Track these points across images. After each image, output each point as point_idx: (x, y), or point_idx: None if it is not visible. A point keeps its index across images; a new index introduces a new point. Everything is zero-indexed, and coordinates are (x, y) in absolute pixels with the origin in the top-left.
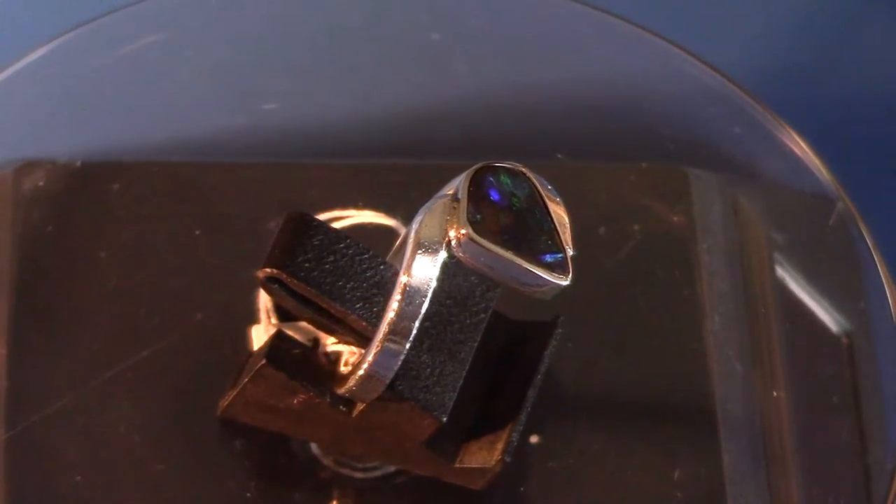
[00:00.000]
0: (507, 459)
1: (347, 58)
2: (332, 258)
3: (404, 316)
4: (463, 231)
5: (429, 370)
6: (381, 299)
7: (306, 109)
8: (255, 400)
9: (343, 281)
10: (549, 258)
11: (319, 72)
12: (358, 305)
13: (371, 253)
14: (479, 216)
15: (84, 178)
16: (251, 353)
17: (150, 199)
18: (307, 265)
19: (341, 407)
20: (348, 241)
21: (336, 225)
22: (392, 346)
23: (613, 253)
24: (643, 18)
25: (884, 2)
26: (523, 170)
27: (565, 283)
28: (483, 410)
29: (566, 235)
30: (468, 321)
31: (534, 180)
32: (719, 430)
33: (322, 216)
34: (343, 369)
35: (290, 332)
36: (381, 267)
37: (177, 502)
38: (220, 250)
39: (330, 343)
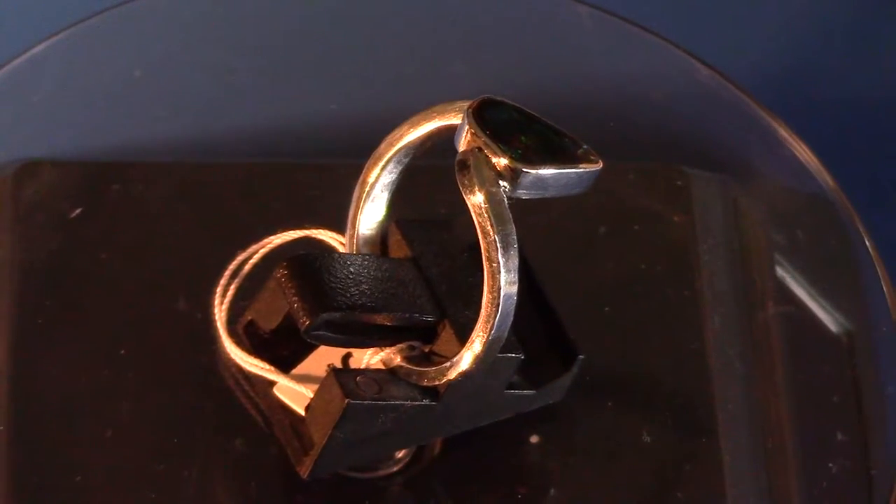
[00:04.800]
0: (582, 356)
1: (348, 58)
2: (347, 277)
3: (509, 268)
4: (509, 165)
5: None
6: (402, 289)
7: (306, 109)
8: (346, 443)
9: (368, 291)
10: (580, 152)
11: (320, 72)
12: (395, 303)
13: (361, 257)
14: (513, 151)
15: (84, 178)
16: (308, 407)
17: (151, 199)
18: (340, 297)
19: (426, 401)
20: (343, 257)
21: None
22: (509, 294)
23: (613, 253)
24: (644, 19)
25: (883, 4)
26: (495, 97)
27: (601, 165)
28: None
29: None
30: (462, 264)
31: (510, 102)
32: (719, 430)
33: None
34: (426, 367)
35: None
36: (375, 262)
37: (177, 502)
38: (220, 249)
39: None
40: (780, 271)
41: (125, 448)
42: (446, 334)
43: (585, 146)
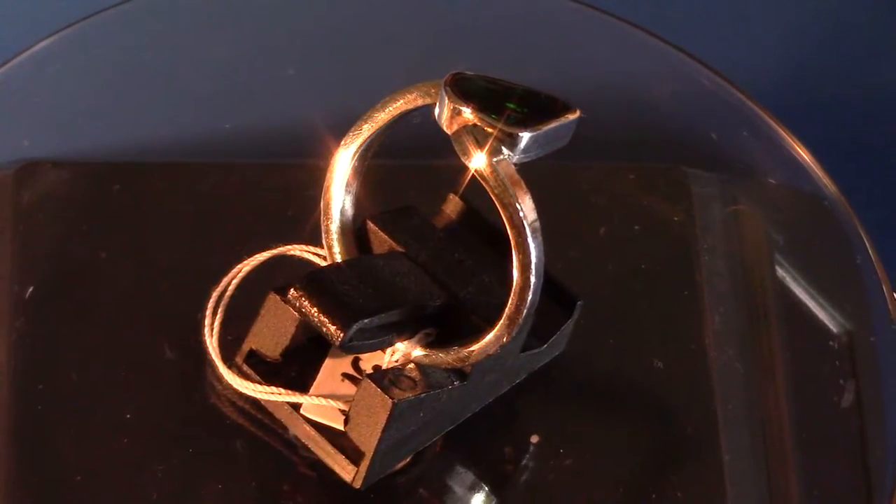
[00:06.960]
0: (581, 302)
1: (347, 58)
2: (359, 283)
3: (536, 234)
4: (507, 132)
5: (493, 293)
6: (408, 281)
7: (305, 110)
8: (393, 444)
9: (382, 292)
10: (560, 103)
11: (320, 72)
12: (409, 296)
13: (360, 260)
14: (506, 118)
15: (84, 178)
16: (347, 418)
17: (150, 199)
18: (363, 303)
19: (456, 383)
20: (345, 264)
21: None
22: (540, 259)
23: (613, 253)
24: (644, 20)
25: (883, 6)
26: (463, 72)
27: (579, 112)
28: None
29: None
30: (442, 245)
31: (476, 73)
32: (719, 430)
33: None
34: (452, 350)
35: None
36: (374, 262)
37: (177, 502)
38: (219, 249)
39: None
40: (780, 271)
41: (125, 448)
42: (459, 314)
43: (561, 97)
